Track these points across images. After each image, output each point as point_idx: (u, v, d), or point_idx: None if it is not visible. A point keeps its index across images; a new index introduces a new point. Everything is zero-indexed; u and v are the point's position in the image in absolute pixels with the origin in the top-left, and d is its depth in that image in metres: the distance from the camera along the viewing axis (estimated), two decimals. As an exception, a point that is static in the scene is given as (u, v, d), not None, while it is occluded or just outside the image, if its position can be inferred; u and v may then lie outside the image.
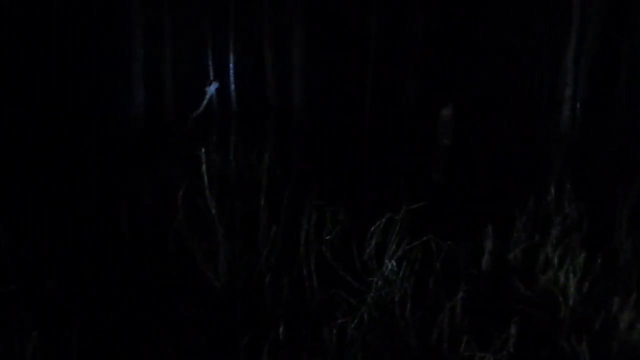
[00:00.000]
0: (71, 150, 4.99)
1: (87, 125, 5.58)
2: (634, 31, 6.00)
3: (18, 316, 1.87)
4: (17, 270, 2.69)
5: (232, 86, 6.39)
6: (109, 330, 2.52)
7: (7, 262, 2.68)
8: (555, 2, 6.20)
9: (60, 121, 5.69)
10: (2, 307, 1.86)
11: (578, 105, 6.09)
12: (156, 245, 3.20)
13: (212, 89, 6.02)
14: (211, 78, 6.27)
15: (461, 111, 5.83)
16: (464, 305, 2.67)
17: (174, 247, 3.18)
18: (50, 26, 5.87)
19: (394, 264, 2.64)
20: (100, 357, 2.34)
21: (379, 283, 2.60)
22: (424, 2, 6.65)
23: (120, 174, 4.20)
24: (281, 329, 2.46)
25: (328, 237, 2.91)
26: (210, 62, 6.51)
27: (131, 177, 4.06)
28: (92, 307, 2.61)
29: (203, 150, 3.19)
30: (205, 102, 5.74)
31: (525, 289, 3.15)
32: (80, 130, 5.45)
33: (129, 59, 5.84)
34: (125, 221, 3.56)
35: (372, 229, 2.80)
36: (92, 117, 5.72)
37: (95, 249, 3.23)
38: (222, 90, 6.31)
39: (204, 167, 2.92)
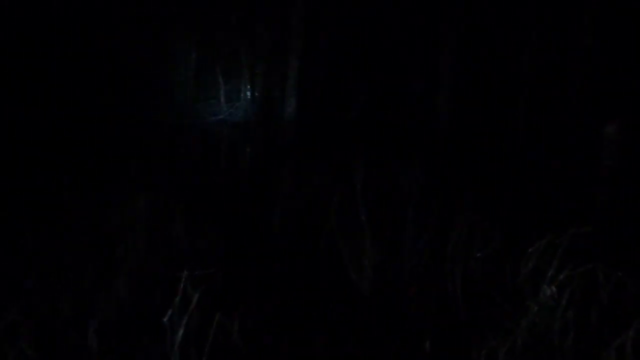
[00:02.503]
0: (235, 156, 5.48)
1: (246, 132, 6.08)
2: None
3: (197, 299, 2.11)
4: (190, 259, 3.03)
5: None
6: (263, 322, 2.72)
7: (183, 251, 3.04)
8: None
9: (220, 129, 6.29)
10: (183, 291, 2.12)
11: None
12: (307, 246, 3.37)
13: (359, 100, 6.17)
14: (359, 91, 6.44)
15: (631, 128, 5.23)
16: (634, 346, 2.39)
17: (324, 249, 3.33)
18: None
19: (554, 289, 2.46)
20: (257, 348, 2.53)
21: (536, 308, 2.45)
22: (591, 6, 6.09)
23: (275, 178, 4.52)
24: (428, 343, 2.44)
25: (479, 254, 2.82)
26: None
27: (286, 181, 4.34)
28: (250, 299, 2.83)
29: (354, 158, 3.30)
30: (353, 111, 5.91)
31: None
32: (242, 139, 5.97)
33: (286, 69, 6.24)
34: (278, 222, 3.82)
35: (530, 250, 2.65)
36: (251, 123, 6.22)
37: (251, 245, 3.51)
38: (370, 100, 6.44)
39: (357, 176, 3.01)
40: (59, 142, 5.33)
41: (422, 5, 6.54)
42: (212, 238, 3.28)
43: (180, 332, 1.95)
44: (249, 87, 7.24)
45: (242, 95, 7.31)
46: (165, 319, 1.96)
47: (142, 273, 2.74)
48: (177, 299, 1.99)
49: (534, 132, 5.91)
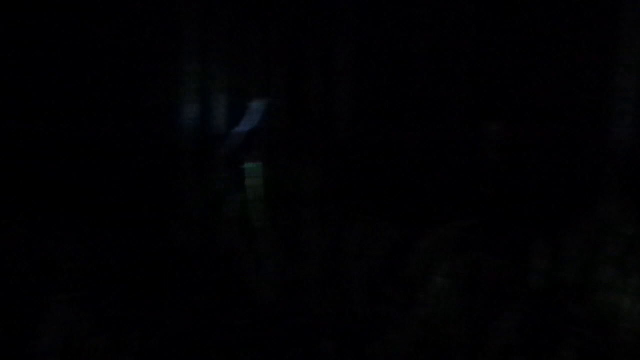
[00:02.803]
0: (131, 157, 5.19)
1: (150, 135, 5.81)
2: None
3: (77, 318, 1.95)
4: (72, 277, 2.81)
5: (276, 101, 6.50)
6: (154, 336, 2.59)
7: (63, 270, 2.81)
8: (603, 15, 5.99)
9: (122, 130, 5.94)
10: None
11: (632, 117, 5.85)
12: (203, 253, 3.27)
13: (258, 105, 6.14)
14: (258, 95, 6.40)
15: (511, 124, 5.72)
16: (514, 325, 2.60)
17: (220, 255, 3.25)
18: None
19: (442, 280, 2.60)
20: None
21: (426, 299, 2.57)
22: (475, 18, 6.57)
23: (172, 182, 4.35)
24: (327, 343, 2.47)
25: (374, 251, 2.91)
26: (260, 79, 6.65)
27: (182, 186, 4.19)
28: (142, 313, 2.69)
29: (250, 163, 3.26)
30: (253, 117, 5.88)
31: (579, 310, 3.04)
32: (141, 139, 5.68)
33: (181, 75, 6.06)
34: (175, 227, 3.68)
35: (420, 244, 2.78)
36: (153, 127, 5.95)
37: (144, 252, 3.33)
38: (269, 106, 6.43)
39: (249, 179, 2.98)
40: None
41: (315, 4, 6.64)
42: (100, 252, 3.07)
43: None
44: (147, 93, 6.94)
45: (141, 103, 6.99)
46: (37, 346, 1.79)
47: (12, 295, 2.49)
48: (51, 323, 1.83)
49: (424, 131, 6.23)
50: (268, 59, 6.79)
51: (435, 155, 5.58)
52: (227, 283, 3.09)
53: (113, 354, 2.03)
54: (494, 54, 6.82)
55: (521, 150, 5.70)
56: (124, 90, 6.60)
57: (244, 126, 5.98)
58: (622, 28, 5.69)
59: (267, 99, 6.29)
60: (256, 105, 6.13)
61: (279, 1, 6.53)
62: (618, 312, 2.93)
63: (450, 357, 2.49)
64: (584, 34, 6.51)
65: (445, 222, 2.94)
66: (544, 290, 3.20)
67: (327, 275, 3.01)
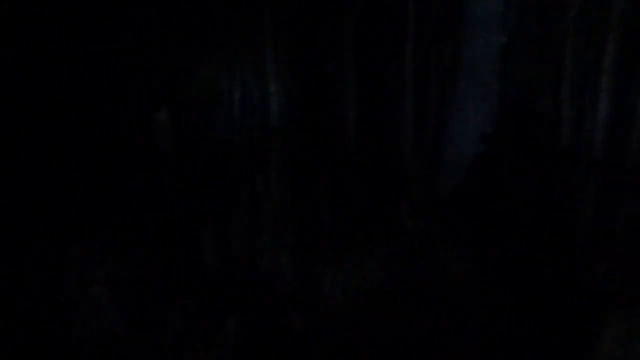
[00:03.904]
0: None
1: None
2: (332, 30, 6.73)
3: None
4: None
5: None
6: None
7: None
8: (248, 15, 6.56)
9: None
10: None
11: (283, 99, 6.64)
12: None
13: None
14: None
15: (177, 114, 5.78)
16: (187, 311, 2.63)
17: None
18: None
19: (101, 289, 2.42)
20: None
21: (86, 315, 2.35)
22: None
23: None
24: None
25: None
26: None
27: None
28: None
29: None
30: None
31: (249, 277, 3.30)
32: None
33: None
34: None
35: (71, 255, 2.51)
36: None
37: None
38: None
39: None
40: None
41: None
42: None
43: None
44: None
45: None
46: None
47: None
48: None
49: (89, 128, 5.72)
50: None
51: (103, 150, 5.15)
52: None
53: None
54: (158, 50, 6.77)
55: (191, 137, 5.83)
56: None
57: None
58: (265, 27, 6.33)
59: None
60: None
61: None
62: (279, 271, 3.30)
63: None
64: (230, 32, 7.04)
65: (102, 224, 2.72)
66: (216, 269, 3.35)
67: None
